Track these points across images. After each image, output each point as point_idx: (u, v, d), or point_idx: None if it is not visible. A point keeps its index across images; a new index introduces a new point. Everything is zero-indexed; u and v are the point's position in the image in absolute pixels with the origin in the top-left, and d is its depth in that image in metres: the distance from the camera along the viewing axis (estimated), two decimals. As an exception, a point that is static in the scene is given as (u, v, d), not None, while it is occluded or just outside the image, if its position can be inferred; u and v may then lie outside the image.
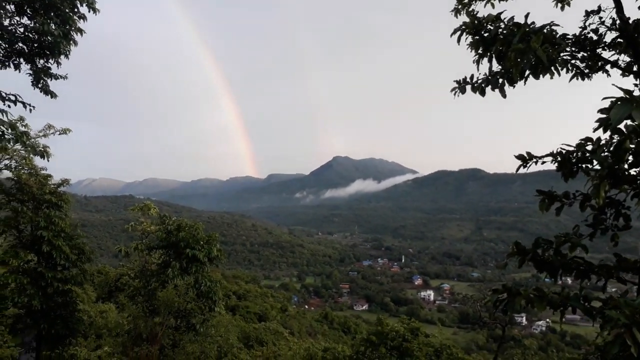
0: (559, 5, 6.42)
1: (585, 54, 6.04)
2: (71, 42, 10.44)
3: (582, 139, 4.59)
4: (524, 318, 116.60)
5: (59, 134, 17.69)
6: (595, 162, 4.50)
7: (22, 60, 10.91)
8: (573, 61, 5.99)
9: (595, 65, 6.04)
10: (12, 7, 10.05)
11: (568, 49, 5.96)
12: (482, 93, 6.14)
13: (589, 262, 5.00)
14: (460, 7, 6.59)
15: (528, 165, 5.15)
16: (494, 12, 5.93)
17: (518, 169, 5.23)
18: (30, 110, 9.99)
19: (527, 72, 5.36)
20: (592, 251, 5.21)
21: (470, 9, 6.51)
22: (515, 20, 5.58)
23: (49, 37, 10.19)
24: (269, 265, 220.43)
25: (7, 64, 10.85)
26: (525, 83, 5.80)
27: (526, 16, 5.40)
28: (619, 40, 5.85)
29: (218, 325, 16.67)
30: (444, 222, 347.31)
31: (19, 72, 10.98)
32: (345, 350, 18.04)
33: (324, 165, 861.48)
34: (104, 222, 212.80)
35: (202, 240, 15.72)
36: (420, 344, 16.07)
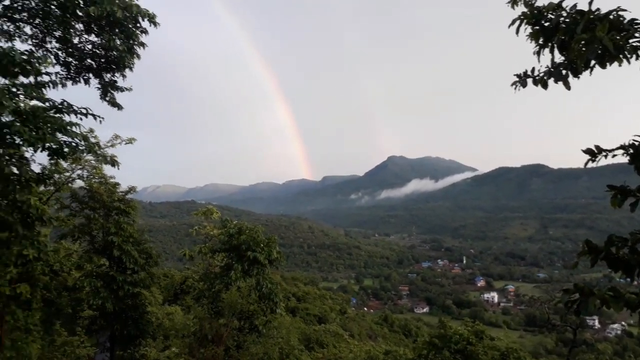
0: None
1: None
2: (135, 55, 10.95)
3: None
4: (597, 321, 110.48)
5: (125, 144, 18.57)
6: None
7: (91, 75, 11.56)
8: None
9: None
10: (81, 25, 10.66)
11: (637, 35, 5.60)
12: (545, 86, 5.88)
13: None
14: (517, -3, 6.35)
15: (597, 159, 4.88)
16: (555, 0, 5.67)
17: (587, 163, 4.96)
18: (100, 121, 10.53)
19: (593, 61, 5.09)
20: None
21: (528, -1, 6.26)
22: (578, 8, 5.30)
23: (114, 52, 10.74)
24: (327, 267, 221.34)
25: (77, 79, 11.53)
26: (591, 73, 5.50)
27: (590, 3, 5.12)
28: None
29: (280, 327, 16.90)
30: (507, 221, 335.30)
31: (89, 86, 11.65)
32: (407, 354, 17.78)
33: (379, 166, 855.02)
34: (168, 227, 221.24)
35: (262, 243, 16.02)
36: (485, 348, 15.57)
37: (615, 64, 5.08)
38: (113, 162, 11.47)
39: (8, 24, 10.51)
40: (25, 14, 10.35)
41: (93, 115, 10.25)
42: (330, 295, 78.94)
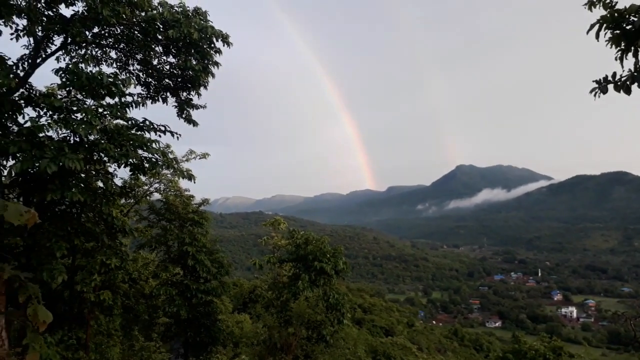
0: None
1: None
2: (209, 74, 11.51)
3: None
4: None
5: (200, 158, 19.46)
6: None
7: (168, 94, 12.28)
8: None
9: None
10: (160, 48, 11.38)
11: None
12: (628, 91, 5.57)
13: None
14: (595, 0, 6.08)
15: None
16: (638, 2, 5.38)
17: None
18: (177, 138, 11.16)
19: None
20: None
21: (608, 1, 5.98)
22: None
23: (190, 72, 11.34)
24: (393, 279, 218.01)
25: (157, 98, 12.28)
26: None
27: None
28: None
29: (347, 338, 16.88)
30: (586, 232, 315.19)
31: (167, 104, 12.37)
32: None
33: (447, 175, 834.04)
34: (237, 237, 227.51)
35: (328, 254, 16.13)
36: (564, 366, 14.73)
37: None
38: (190, 177, 12.06)
39: (96, 49, 11.42)
40: (111, 39, 11.20)
41: (171, 132, 10.89)
42: (397, 307, 77.69)
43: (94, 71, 9.31)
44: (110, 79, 9.37)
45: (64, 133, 9.55)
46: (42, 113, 8.96)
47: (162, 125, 10.69)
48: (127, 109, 10.30)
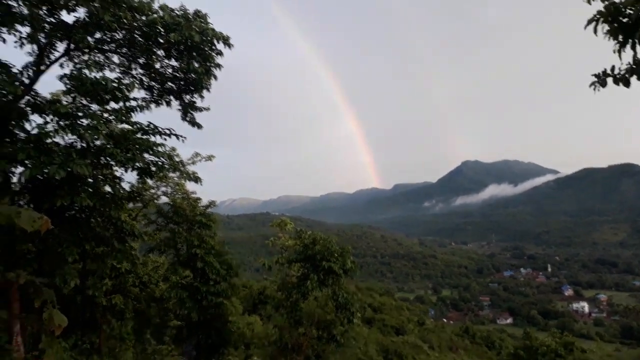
0: None
1: None
2: (212, 76, 11.55)
3: None
4: None
5: (205, 161, 19.54)
6: None
7: (172, 97, 12.32)
8: None
9: None
10: (162, 51, 11.42)
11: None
12: (627, 84, 5.59)
13: None
14: (593, -7, 6.08)
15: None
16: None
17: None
18: (183, 141, 11.21)
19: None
20: None
21: (605, -6, 5.96)
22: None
23: (193, 75, 11.39)
24: (402, 277, 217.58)
25: (160, 102, 12.31)
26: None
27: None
28: None
29: (358, 337, 16.88)
30: (594, 226, 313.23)
31: (170, 108, 12.41)
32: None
33: (453, 171, 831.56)
34: (245, 239, 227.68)
35: (336, 253, 16.14)
36: (576, 360, 14.65)
37: None
38: (196, 179, 12.11)
39: (99, 55, 11.48)
40: (113, 44, 11.25)
41: (176, 135, 10.94)
42: (407, 306, 77.62)
43: (97, 76, 9.36)
44: (114, 84, 9.43)
45: (70, 139, 9.62)
46: (48, 119, 9.02)
47: (167, 129, 10.74)
48: (132, 113, 10.36)
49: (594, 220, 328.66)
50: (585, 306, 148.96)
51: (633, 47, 5.33)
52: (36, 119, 9.49)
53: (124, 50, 11.44)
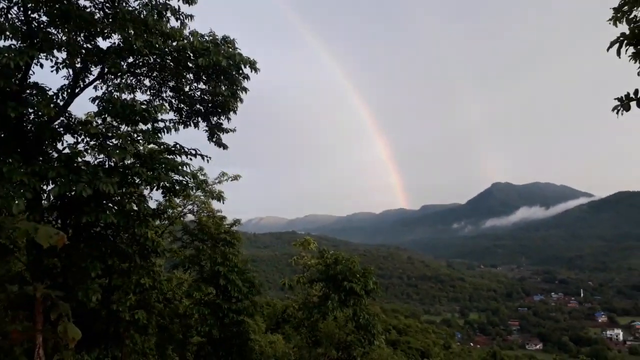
0: None
1: None
2: (238, 99, 11.92)
3: None
4: None
5: (231, 180, 19.90)
6: None
7: (200, 119, 12.73)
8: None
9: None
10: (191, 75, 11.86)
11: None
12: (651, 108, 5.55)
13: None
14: (619, 15, 6.10)
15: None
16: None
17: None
18: (207, 161, 11.55)
19: None
20: None
21: (632, 16, 5.98)
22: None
23: (220, 98, 11.77)
24: (428, 300, 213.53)
25: (188, 123, 12.74)
26: None
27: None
28: None
29: (379, 359, 16.68)
30: (631, 250, 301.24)
31: (197, 129, 12.82)
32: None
33: (482, 193, 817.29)
34: (270, 257, 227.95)
35: (358, 273, 16.11)
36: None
37: None
38: (219, 197, 12.40)
39: (131, 78, 12.00)
40: (145, 68, 11.76)
41: (201, 155, 11.29)
42: (433, 328, 76.13)
43: (128, 99, 9.79)
44: (143, 106, 9.84)
45: (100, 158, 10.06)
46: (79, 139, 9.46)
47: (193, 149, 11.12)
48: (159, 134, 10.76)
49: (631, 245, 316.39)
50: (620, 333, 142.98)
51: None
52: (69, 139, 9.99)
53: (155, 73, 11.94)
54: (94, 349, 12.59)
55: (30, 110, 9.22)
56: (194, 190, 11.59)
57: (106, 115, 9.87)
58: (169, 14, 10.27)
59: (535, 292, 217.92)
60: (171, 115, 12.52)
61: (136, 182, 10.04)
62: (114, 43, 10.38)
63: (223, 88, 11.51)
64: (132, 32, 9.93)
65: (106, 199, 9.58)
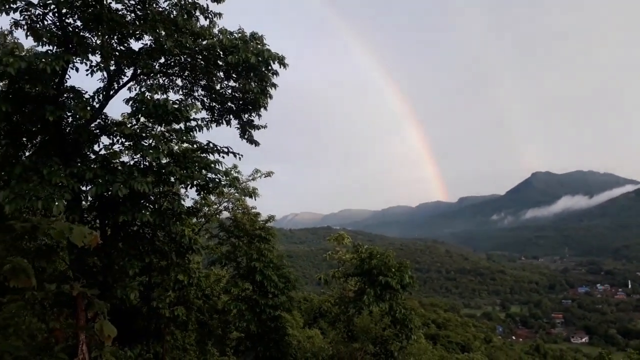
0: None
1: None
2: (268, 95, 11.92)
3: None
4: None
5: (265, 177, 20.06)
6: None
7: (231, 116, 12.81)
8: None
9: None
10: (222, 73, 11.94)
11: None
12: None
13: None
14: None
15: None
16: None
17: None
18: (240, 158, 11.62)
19: None
20: None
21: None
22: None
23: (250, 95, 11.81)
24: (468, 293, 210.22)
25: (220, 121, 12.83)
26: None
27: None
28: None
29: (417, 354, 16.51)
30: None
31: (229, 127, 12.91)
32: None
33: (522, 183, 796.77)
34: (306, 252, 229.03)
35: (393, 268, 15.95)
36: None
37: None
38: (251, 194, 12.47)
39: (163, 78, 12.19)
40: (176, 68, 11.91)
41: (233, 153, 11.38)
42: (473, 322, 75.03)
43: (160, 99, 9.93)
44: (175, 106, 9.97)
45: (136, 158, 10.27)
46: (114, 140, 9.67)
47: (225, 147, 11.20)
48: (192, 132, 10.89)
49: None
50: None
51: None
52: (105, 140, 10.24)
53: (186, 73, 12.09)
54: (136, 345, 12.92)
55: (68, 114, 9.47)
56: (227, 188, 11.69)
57: (140, 116, 10.06)
58: (197, 13, 10.34)
59: (579, 284, 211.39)
60: (203, 113, 12.67)
61: (171, 180, 10.20)
62: (146, 44, 10.56)
63: (253, 85, 11.52)
64: (163, 33, 10.07)
65: (142, 198, 9.78)
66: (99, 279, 9.51)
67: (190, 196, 15.08)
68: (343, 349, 13.82)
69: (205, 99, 12.64)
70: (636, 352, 16.13)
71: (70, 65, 9.42)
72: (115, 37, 10.31)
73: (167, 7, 10.09)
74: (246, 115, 12.79)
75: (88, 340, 6.24)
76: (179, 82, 12.44)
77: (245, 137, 12.98)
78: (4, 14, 8.47)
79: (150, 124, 10.52)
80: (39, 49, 9.42)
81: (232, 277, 19.14)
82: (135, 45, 10.68)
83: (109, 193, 8.77)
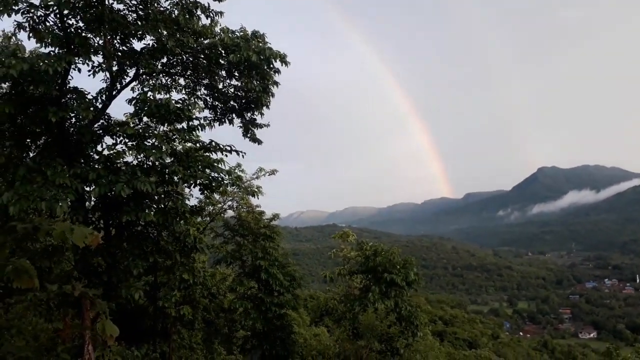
0: None
1: None
2: (270, 94, 11.92)
3: None
4: None
5: (269, 175, 20.04)
6: None
7: (234, 115, 12.82)
8: None
9: None
10: (224, 72, 11.95)
11: None
12: None
13: None
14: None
15: None
16: None
17: None
18: (243, 156, 11.63)
19: None
20: None
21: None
22: None
23: (252, 93, 11.81)
24: (475, 290, 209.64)
25: (223, 120, 12.85)
26: None
27: None
28: None
29: (424, 351, 16.46)
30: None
31: (232, 125, 12.92)
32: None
33: (528, 179, 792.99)
34: (312, 250, 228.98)
35: (398, 265, 15.91)
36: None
37: None
38: (253, 193, 12.51)
39: (166, 78, 12.21)
40: (179, 67, 11.93)
41: (236, 151, 11.37)
42: (480, 319, 74.80)
43: (162, 99, 9.95)
44: (177, 105, 9.99)
45: (139, 158, 10.30)
46: (118, 140, 9.70)
47: (228, 146, 11.21)
48: (194, 132, 10.90)
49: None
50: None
51: None
52: (109, 140, 10.27)
53: (189, 72, 12.10)
54: (142, 345, 12.95)
55: (71, 115, 9.51)
56: (229, 187, 11.71)
57: (142, 116, 10.08)
58: (199, 12, 10.35)
59: (587, 279, 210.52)
60: (206, 113, 12.69)
61: (174, 180, 10.22)
62: (148, 44, 10.58)
63: (255, 83, 11.52)
64: (165, 32, 10.09)
65: (146, 198, 9.81)
66: (103, 279, 9.55)
67: (194, 195, 15.10)
68: (349, 347, 13.80)
69: (207, 98, 12.66)
70: (644, 347, 16.01)
71: (73, 66, 9.45)
72: (117, 38, 10.34)
73: (169, 7, 10.11)
74: (249, 114, 12.81)
75: (93, 340, 6.25)
76: (181, 81, 12.47)
77: (248, 135, 13.01)
78: (6, 15, 8.50)
79: (153, 124, 10.54)
80: (42, 50, 9.45)
81: (238, 275, 19.14)
82: (137, 45, 10.72)
83: (113, 193, 8.80)
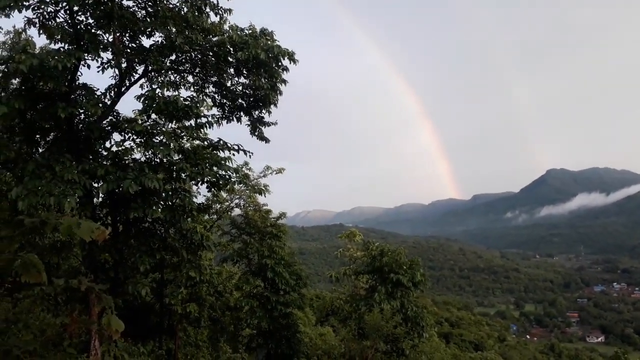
0: None
1: None
2: (278, 92, 11.90)
3: None
4: None
5: (276, 174, 20.03)
6: None
7: (242, 113, 12.81)
8: None
9: None
10: (232, 70, 11.94)
11: None
12: None
13: None
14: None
15: None
16: None
17: None
18: (250, 155, 11.62)
19: None
20: None
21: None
22: None
23: (260, 91, 11.80)
24: (482, 292, 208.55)
25: (231, 118, 12.85)
26: None
27: None
28: None
29: (430, 352, 16.39)
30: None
31: (240, 123, 12.91)
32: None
33: (537, 181, 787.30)
34: (319, 250, 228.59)
35: (404, 265, 15.85)
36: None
37: None
38: (260, 191, 12.50)
39: (174, 75, 12.22)
40: (187, 65, 11.94)
41: (244, 150, 11.37)
42: (486, 321, 74.48)
43: (171, 96, 9.97)
44: (186, 102, 10.00)
45: (147, 155, 10.32)
46: (126, 137, 9.73)
47: (236, 144, 11.21)
48: (202, 129, 10.91)
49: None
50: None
51: None
52: (117, 137, 10.30)
53: (197, 70, 12.11)
54: (148, 342, 13.01)
55: (80, 111, 9.55)
56: (236, 185, 11.71)
57: (151, 113, 10.10)
58: (208, 10, 10.35)
59: (595, 283, 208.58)
60: (214, 110, 12.69)
61: (181, 177, 10.24)
62: (157, 41, 10.59)
63: (263, 81, 11.51)
64: (174, 30, 10.10)
65: (153, 194, 9.83)
66: (110, 275, 9.58)
67: (201, 193, 15.13)
68: (354, 347, 13.76)
69: (216, 95, 12.66)
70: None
71: (82, 63, 9.48)
72: (126, 34, 10.37)
73: (178, 4, 10.12)
74: (256, 112, 12.80)
75: (100, 335, 6.27)
76: (190, 78, 12.47)
77: (256, 133, 12.99)
78: (16, 11, 8.54)
79: (161, 121, 10.56)
80: (52, 46, 9.50)
81: (244, 274, 19.14)
82: (146, 42, 10.75)
83: (120, 190, 8.83)
